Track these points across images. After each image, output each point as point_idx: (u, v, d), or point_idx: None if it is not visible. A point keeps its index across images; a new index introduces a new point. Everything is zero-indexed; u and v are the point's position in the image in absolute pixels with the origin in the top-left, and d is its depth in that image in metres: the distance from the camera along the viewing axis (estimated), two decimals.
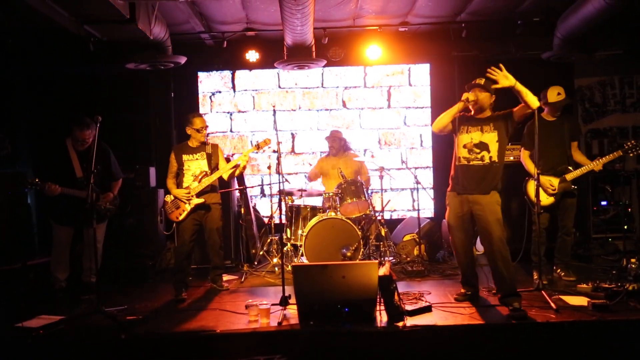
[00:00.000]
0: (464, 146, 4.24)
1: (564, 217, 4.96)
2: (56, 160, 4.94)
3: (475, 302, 4.28)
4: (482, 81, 4.21)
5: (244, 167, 5.04)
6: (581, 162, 4.93)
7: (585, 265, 5.68)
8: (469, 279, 4.44)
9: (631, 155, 4.79)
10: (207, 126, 5.05)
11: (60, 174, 4.83)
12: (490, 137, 4.17)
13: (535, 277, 4.55)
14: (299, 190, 6.11)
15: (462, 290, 4.46)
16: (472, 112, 4.27)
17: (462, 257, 4.42)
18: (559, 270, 5.01)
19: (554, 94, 4.92)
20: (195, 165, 4.99)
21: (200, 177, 4.93)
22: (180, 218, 4.89)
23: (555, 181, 4.85)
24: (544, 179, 4.82)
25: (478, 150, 4.19)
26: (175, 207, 4.91)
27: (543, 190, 4.81)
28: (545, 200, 4.85)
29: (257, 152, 5.25)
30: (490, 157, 4.17)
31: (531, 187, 4.90)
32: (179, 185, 4.97)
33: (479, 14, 6.33)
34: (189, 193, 4.87)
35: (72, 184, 4.83)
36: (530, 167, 4.92)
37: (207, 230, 5.01)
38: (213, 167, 5.02)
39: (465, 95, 4.21)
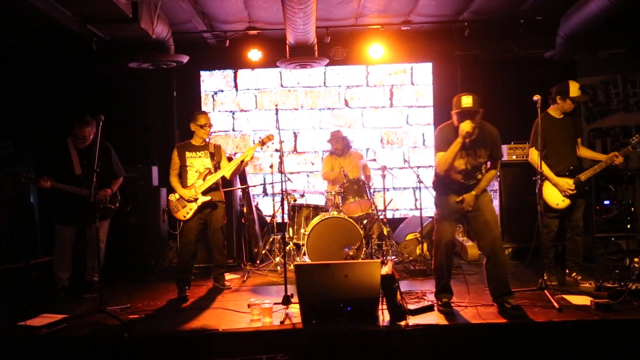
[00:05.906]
0: (459, 172, 4.06)
1: (575, 216, 4.82)
2: (56, 158, 4.97)
3: (477, 302, 4.26)
4: (469, 101, 3.84)
5: (247, 163, 5.04)
6: (590, 157, 4.84)
7: (589, 264, 5.65)
8: (449, 284, 4.22)
9: (639, 150, 4.69)
10: (211, 125, 5.01)
11: (60, 171, 4.86)
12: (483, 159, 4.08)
13: (546, 277, 4.41)
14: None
15: (445, 300, 4.13)
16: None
17: (447, 262, 4.18)
18: (574, 274, 4.83)
19: (576, 88, 4.77)
20: (198, 162, 4.96)
21: (205, 174, 4.91)
22: (188, 217, 4.86)
23: (570, 182, 4.73)
24: (563, 180, 4.71)
25: (473, 174, 4.08)
26: (181, 206, 4.87)
27: (560, 192, 4.72)
28: (562, 203, 4.74)
29: (261, 149, 5.24)
30: (482, 171, 4.11)
31: (547, 189, 4.74)
32: (182, 183, 4.94)
33: (482, 13, 6.31)
34: (195, 193, 4.85)
35: (71, 181, 4.85)
36: (543, 167, 4.68)
37: (211, 229, 5.00)
38: (216, 165, 5.00)
39: (463, 129, 3.84)
